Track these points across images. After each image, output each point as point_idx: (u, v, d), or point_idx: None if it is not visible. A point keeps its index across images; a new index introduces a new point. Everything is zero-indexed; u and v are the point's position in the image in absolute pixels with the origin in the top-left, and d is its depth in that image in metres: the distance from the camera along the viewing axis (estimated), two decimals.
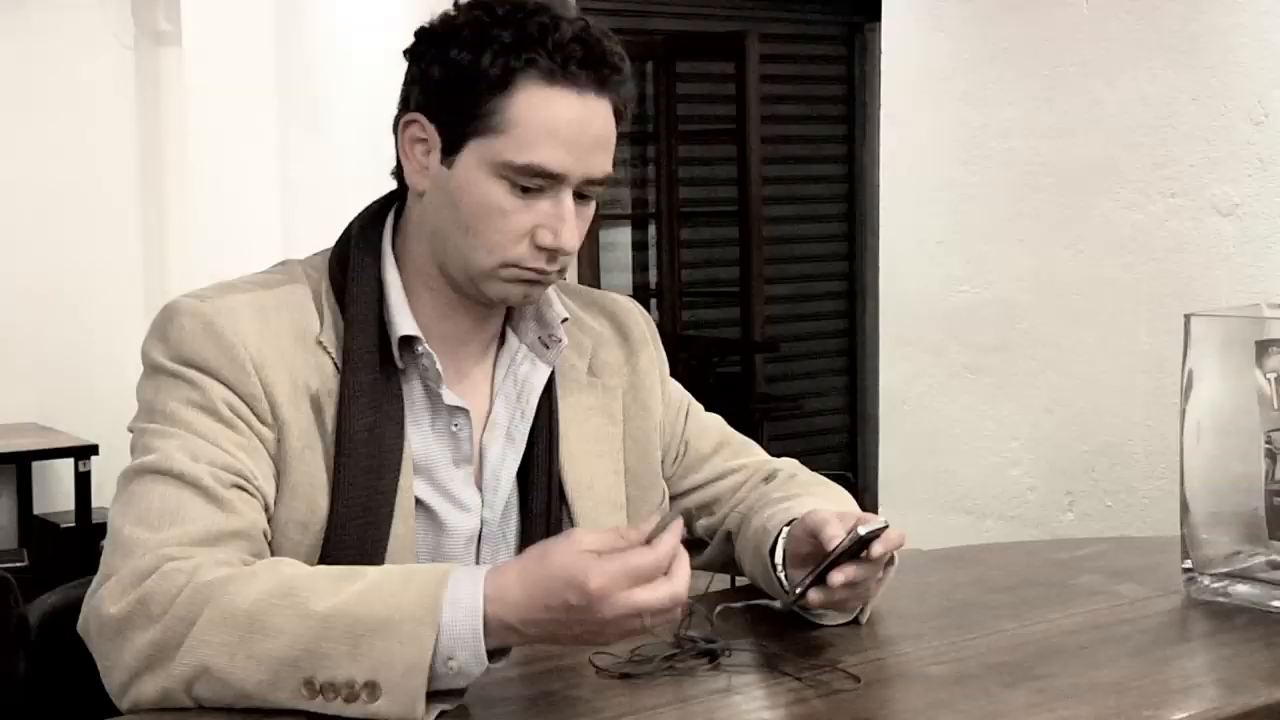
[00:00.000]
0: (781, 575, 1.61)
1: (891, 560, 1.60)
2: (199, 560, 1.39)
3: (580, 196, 1.55)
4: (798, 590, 1.53)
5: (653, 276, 6.53)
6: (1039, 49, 3.61)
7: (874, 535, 1.51)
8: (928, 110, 3.90)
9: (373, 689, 1.32)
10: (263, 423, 1.50)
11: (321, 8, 5.54)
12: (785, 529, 1.62)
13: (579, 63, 1.52)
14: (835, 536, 1.52)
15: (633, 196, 6.63)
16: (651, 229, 6.54)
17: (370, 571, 1.39)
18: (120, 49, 5.78)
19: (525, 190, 1.52)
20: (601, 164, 1.55)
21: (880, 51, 4.10)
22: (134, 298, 5.79)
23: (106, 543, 1.44)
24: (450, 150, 1.54)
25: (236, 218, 5.46)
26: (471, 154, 1.52)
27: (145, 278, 5.86)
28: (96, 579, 1.43)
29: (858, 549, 1.51)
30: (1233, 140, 3.25)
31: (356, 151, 5.24)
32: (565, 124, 1.51)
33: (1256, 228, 3.23)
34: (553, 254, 1.55)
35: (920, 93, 3.92)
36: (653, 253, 6.54)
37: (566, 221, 1.54)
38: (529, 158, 1.51)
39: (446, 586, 1.33)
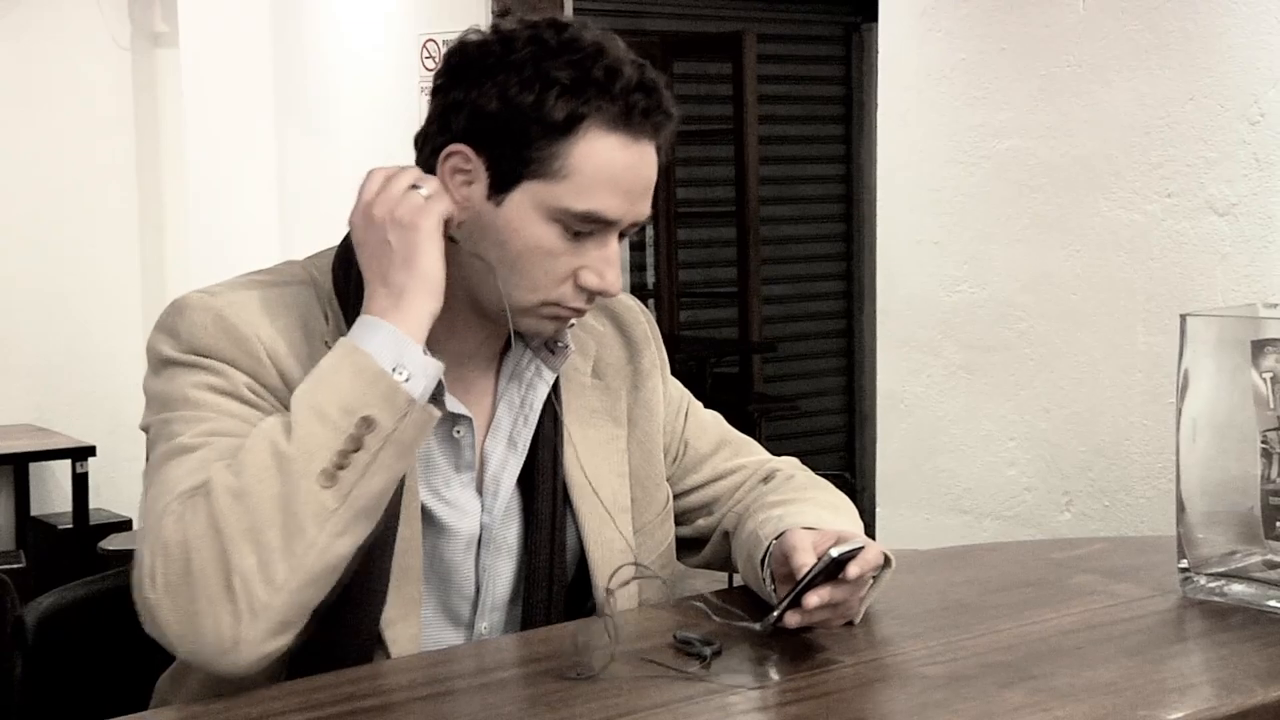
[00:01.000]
0: (771, 589, 1.60)
1: (888, 562, 1.60)
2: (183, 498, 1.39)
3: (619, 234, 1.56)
4: (773, 615, 1.52)
5: (650, 277, 6.52)
6: (1036, 49, 3.61)
7: (849, 556, 1.49)
8: (925, 110, 3.90)
9: (367, 421, 1.39)
10: (286, 409, 1.47)
11: (319, 8, 5.53)
12: (774, 541, 1.61)
13: (643, 112, 1.52)
14: (804, 565, 1.51)
15: None
16: (649, 229, 6.54)
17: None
18: (117, 50, 5.78)
19: (577, 234, 1.52)
20: (647, 208, 1.56)
21: (877, 51, 4.10)
22: (132, 298, 5.79)
23: (139, 533, 1.42)
24: (500, 188, 1.51)
25: (234, 218, 5.46)
26: (525, 195, 1.51)
27: (143, 278, 5.86)
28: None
29: (836, 569, 1.50)
30: (1229, 140, 3.25)
31: (354, 152, 5.25)
32: (623, 171, 1.51)
33: (1253, 227, 3.23)
34: (593, 294, 1.55)
35: (917, 93, 3.92)
36: (650, 253, 6.53)
37: (613, 265, 1.54)
38: (589, 205, 1.50)
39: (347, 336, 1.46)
